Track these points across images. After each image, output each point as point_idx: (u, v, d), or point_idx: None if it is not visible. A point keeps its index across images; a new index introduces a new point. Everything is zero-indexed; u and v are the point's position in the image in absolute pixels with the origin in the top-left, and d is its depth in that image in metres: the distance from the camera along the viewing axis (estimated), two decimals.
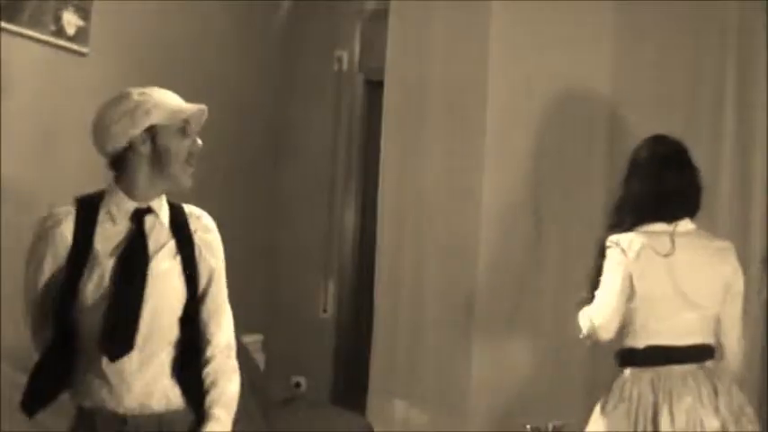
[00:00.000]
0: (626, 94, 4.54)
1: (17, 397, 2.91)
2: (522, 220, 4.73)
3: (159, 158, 2.50)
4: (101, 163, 3.57)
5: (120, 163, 2.50)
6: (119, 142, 2.46)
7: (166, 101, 2.54)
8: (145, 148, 2.46)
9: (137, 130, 2.44)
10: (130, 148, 2.46)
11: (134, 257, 2.43)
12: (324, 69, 5.28)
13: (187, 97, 4.20)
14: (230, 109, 4.68)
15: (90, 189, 3.52)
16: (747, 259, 4.28)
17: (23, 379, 2.99)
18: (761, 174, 4.29)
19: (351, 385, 5.35)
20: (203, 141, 4.34)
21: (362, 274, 5.37)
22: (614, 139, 4.55)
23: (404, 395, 4.91)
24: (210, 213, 4.47)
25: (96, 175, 3.58)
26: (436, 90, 4.96)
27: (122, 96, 2.49)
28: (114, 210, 2.49)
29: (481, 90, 4.81)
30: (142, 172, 2.49)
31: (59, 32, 3.39)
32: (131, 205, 2.51)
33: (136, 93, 2.49)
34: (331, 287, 5.33)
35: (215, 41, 4.59)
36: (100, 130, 2.49)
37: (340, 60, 5.28)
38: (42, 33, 3.30)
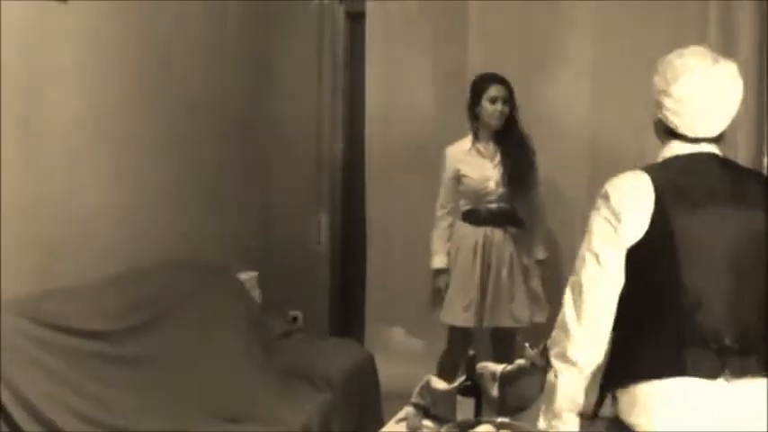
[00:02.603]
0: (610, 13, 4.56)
1: (20, 342, 2.98)
2: None
3: None
4: (89, 110, 3.63)
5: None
6: None
7: None
8: None
9: None
10: None
11: None
12: (305, 3, 5.23)
13: (170, 36, 4.21)
14: (214, 48, 4.66)
15: (77, 134, 3.57)
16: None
17: (37, 330, 3.05)
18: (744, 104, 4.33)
19: (347, 316, 5.42)
20: (189, 84, 4.37)
21: (354, 204, 5.41)
22: (596, 69, 4.58)
23: (400, 322, 4.99)
24: (202, 154, 4.53)
25: (82, 122, 3.60)
26: (417, 18, 4.96)
27: None
28: None
29: (462, 14, 4.81)
30: None
31: None
32: None
33: None
34: (323, 219, 5.36)
35: None
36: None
37: None
38: None
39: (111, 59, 3.81)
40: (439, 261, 4.35)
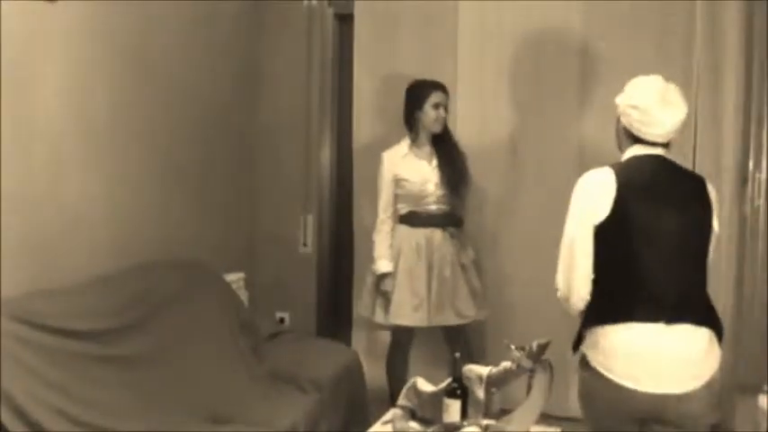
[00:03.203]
0: (597, 21, 4.60)
1: (17, 349, 2.97)
2: (498, 148, 4.80)
3: None
4: (76, 111, 3.62)
5: None
6: None
7: None
8: None
9: None
10: None
11: None
12: (293, 4, 5.23)
13: (158, 37, 4.21)
14: (203, 49, 4.66)
15: (65, 136, 3.57)
16: (720, 180, 4.40)
17: (24, 331, 3.04)
18: (731, 97, 4.36)
19: (334, 317, 5.42)
20: (176, 84, 4.37)
21: (341, 206, 5.41)
22: (586, 65, 4.60)
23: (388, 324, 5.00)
24: (189, 155, 4.53)
25: (69, 124, 3.60)
26: (407, 20, 4.97)
27: None
28: None
29: (452, 19, 4.83)
30: None
31: None
32: None
33: None
34: (310, 221, 5.36)
35: None
36: None
37: None
38: None
39: (99, 60, 3.80)
40: (384, 265, 4.44)
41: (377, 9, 5.03)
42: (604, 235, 2.71)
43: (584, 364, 2.79)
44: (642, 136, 2.79)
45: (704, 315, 2.74)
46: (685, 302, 2.70)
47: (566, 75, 4.67)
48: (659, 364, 2.65)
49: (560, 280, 2.80)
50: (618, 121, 2.88)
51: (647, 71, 4.12)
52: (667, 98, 2.77)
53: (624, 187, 2.70)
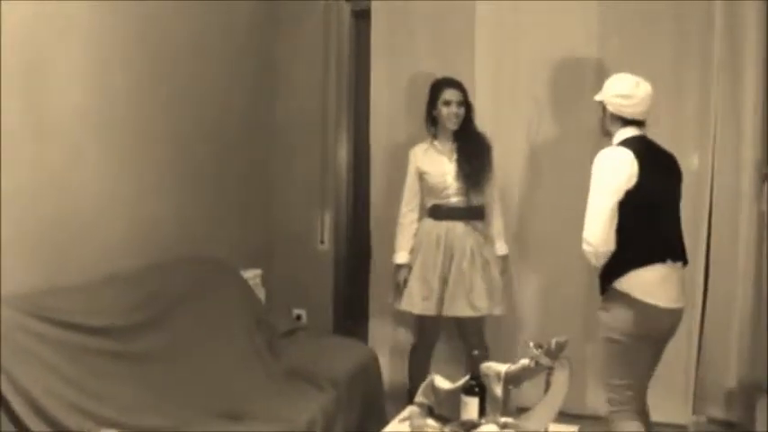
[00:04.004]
0: (613, 20, 4.60)
1: (19, 338, 2.98)
2: (515, 146, 4.79)
3: None
4: (94, 109, 3.63)
5: None
6: None
7: None
8: None
9: None
10: None
11: None
12: (310, 3, 5.23)
13: (176, 34, 4.22)
14: (220, 46, 4.66)
15: (82, 133, 3.58)
16: (740, 176, 4.37)
17: (40, 327, 3.05)
18: (751, 94, 4.34)
19: (351, 315, 5.42)
20: (193, 83, 4.38)
21: (358, 204, 5.41)
22: (603, 62, 4.58)
23: (404, 321, 5.00)
24: (206, 153, 4.54)
25: (87, 121, 3.61)
26: (424, 17, 4.97)
27: None
28: None
29: (469, 17, 4.82)
30: None
31: None
32: None
33: None
34: (327, 219, 5.36)
35: None
36: None
37: None
38: None
39: (117, 57, 3.81)
40: (401, 257, 4.53)
41: (394, 7, 5.02)
42: (630, 199, 3.35)
43: (623, 298, 3.40)
44: (630, 116, 3.47)
45: (684, 253, 3.59)
46: (678, 245, 3.58)
47: (582, 72, 4.65)
48: (673, 289, 3.46)
49: (594, 236, 3.36)
50: (604, 110, 3.54)
51: (662, 67, 4.16)
52: (639, 83, 3.48)
53: (640, 162, 3.36)
